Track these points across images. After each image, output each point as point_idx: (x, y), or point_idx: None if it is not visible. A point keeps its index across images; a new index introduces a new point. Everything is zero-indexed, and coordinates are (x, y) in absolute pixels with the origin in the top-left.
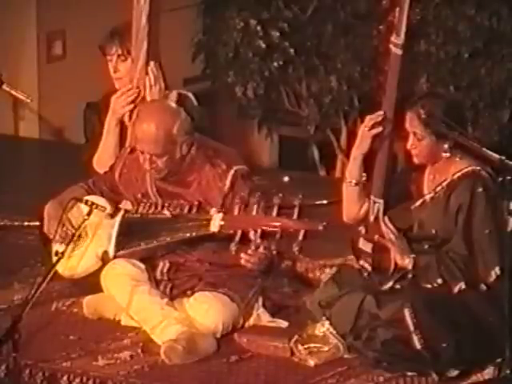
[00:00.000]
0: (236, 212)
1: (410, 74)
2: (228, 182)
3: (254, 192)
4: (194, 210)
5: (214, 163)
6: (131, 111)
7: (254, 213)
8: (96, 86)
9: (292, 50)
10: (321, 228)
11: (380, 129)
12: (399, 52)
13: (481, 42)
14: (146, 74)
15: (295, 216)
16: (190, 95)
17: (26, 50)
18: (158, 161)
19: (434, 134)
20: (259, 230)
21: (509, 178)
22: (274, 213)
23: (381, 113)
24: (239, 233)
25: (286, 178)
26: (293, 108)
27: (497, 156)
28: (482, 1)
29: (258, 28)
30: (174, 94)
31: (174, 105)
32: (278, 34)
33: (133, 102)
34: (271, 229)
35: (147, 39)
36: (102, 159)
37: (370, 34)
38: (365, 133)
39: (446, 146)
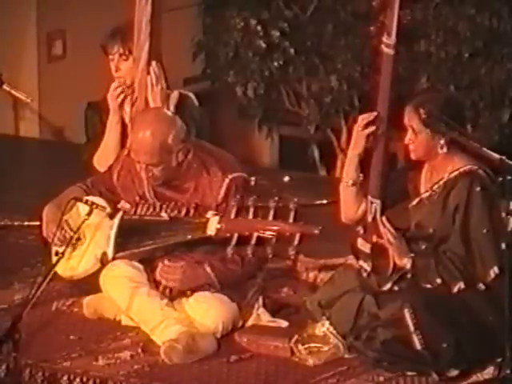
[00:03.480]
0: (233, 216)
1: (411, 74)
2: (222, 192)
3: (249, 197)
4: (192, 213)
5: (209, 171)
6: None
7: (251, 217)
8: (96, 85)
9: (292, 50)
10: (317, 232)
11: (373, 128)
12: (391, 52)
13: (481, 42)
14: (148, 73)
15: (291, 220)
16: (191, 95)
17: (26, 49)
18: (154, 169)
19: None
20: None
21: (509, 177)
22: (271, 217)
23: (374, 113)
24: (236, 236)
25: (286, 178)
26: (293, 108)
27: (497, 156)
28: (481, 1)
29: (258, 28)
30: (175, 95)
31: (168, 113)
32: (278, 33)
33: (123, 93)
34: (268, 232)
35: (149, 39)
36: (103, 158)
37: (370, 33)
38: (359, 133)
39: (442, 141)
